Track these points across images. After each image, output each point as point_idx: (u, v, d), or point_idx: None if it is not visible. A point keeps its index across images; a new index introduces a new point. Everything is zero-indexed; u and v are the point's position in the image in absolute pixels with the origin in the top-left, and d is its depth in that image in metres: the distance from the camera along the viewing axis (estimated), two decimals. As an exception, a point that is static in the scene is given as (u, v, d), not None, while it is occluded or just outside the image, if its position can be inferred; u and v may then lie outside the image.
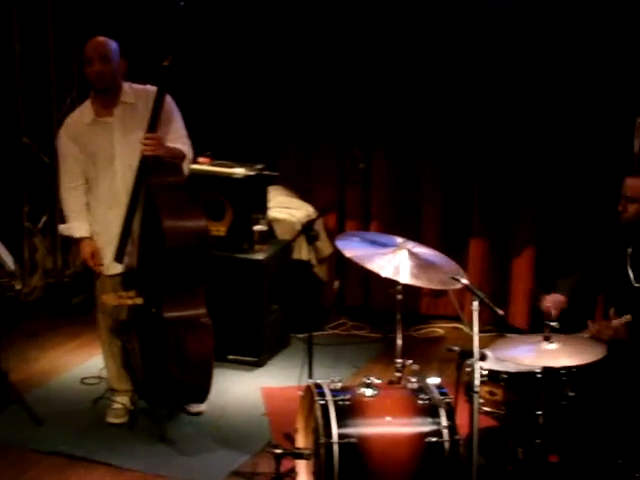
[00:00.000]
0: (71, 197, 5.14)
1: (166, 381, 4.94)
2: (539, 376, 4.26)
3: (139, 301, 5.03)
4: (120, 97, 5.07)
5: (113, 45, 5.03)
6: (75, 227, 5.14)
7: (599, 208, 6.16)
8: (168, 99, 5.08)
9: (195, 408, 5.33)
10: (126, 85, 5.11)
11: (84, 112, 5.12)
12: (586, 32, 6.05)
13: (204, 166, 6.02)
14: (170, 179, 4.99)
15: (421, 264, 4.53)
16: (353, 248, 4.64)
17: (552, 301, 4.58)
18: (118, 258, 5.09)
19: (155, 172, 4.96)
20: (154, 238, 4.94)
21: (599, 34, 6.01)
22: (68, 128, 5.14)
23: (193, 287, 4.96)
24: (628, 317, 4.36)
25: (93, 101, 5.12)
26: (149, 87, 5.12)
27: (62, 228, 5.28)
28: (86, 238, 5.12)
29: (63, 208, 5.22)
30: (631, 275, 4.48)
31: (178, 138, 5.09)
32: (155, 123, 4.97)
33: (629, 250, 4.52)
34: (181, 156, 5.06)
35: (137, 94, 5.10)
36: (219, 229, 5.96)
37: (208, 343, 4.98)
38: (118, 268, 5.13)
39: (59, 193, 5.25)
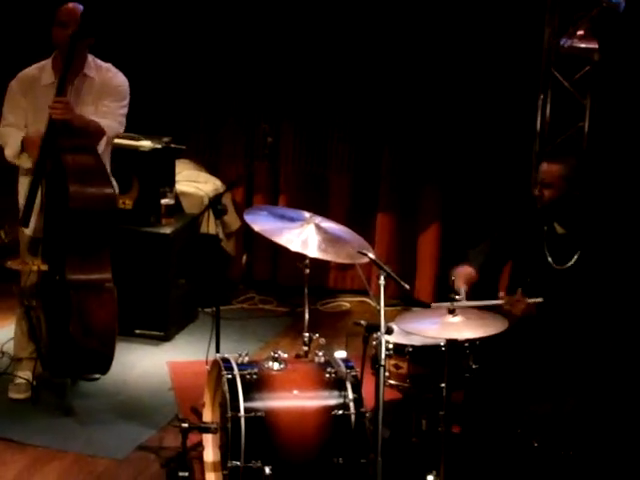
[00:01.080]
0: (11, 132, 5.06)
1: (69, 347, 4.89)
2: (443, 349, 4.32)
3: (44, 267, 4.98)
4: (83, 68, 5.05)
5: None
6: (18, 138, 4.99)
7: (504, 184, 6.28)
8: (122, 79, 5.13)
9: (95, 374, 5.29)
10: (90, 57, 5.10)
11: (44, 72, 5.06)
12: (490, 10, 6.14)
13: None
14: (78, 141, 4.95)
15: (329, 238, 4.55)
16: (262, 222, 4.64)
17: (462, 275, 4.62)
18: (24, 222, 5.03)
19: (64, 135, 4.92)
20: (60, 201, 4.90)
21: (500, 13, 6.10)
22: (22, 83, 5.09)
23: (97, 251, 4.95)
24: (539, 299, 4.45)
25: (54, 63, 5.05)
26: (111, 67, 5.14)
27: (9, 155, 5.06)
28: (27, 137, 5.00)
29: (2, 142, 5.09)
30: (548, 256, 4.56)
31: (107, 113, 5.07)
32: (63, 88, 4.92)
33: (545, 230, 4.59)
34: (99, 129, 5.01)
35: (98, 70, 5.10)
36: (125, 202, 5.89)
37: (111, 308, 4.95)
38: (26, 233, 5.08)
39: None
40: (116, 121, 5.10)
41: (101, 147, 5.09)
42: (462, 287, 4.49)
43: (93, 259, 4.94)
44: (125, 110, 5.15)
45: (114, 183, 5.17)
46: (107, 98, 5.09)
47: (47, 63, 5.09)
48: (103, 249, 4.97)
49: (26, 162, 5.05)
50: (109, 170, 5.25)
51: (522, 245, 4.64)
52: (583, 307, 4.42)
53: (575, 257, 4.48)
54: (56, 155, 4.93)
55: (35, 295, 5.11)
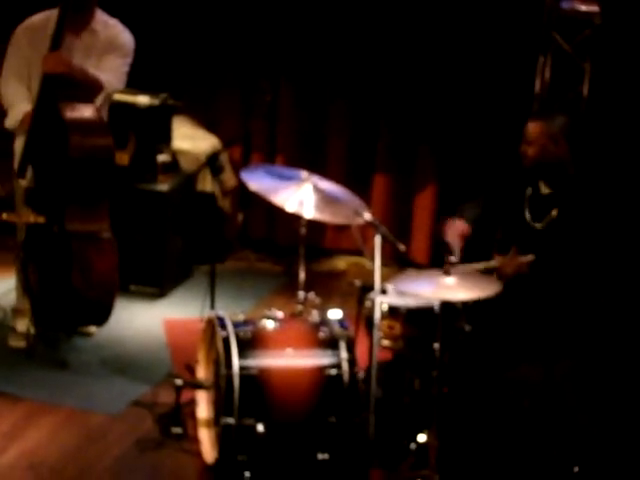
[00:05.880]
0: (11, 87, 5.08)
1: (70, 298, 4.91)
2: (437, 310, 4.34)
3: (41, 219, 4.99)
4: (91, 22, 5.08)
5: None
6: (21, 109, 5.02)
7: (500, 146, 6.26)
8: (128, 37, 5.16)
9: (89, 329, 5.34)
10: (98, 12, 5.12)
11: (49, 22, 5.03)
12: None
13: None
14: (76, 92, 4.97)
15: (325, 198, 4.54)
16: (258, 181, 4.63)
17: (456, 231, 4.63)
18: (20, 173, 5.04)
19: (61, 86, 4.93)
20: (58, 152, 4.91)
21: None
22: (29, 32, 5.09)
23: (96, 202, 4.98)
24: (531, 257, 4.47)
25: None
26: (118, 23, 5.17)
27: (8, 123, 5.11)
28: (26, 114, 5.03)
29: (4, 102, 5.12)
30: (528, 216, 4.58)
31: (108, 69, 5.09)
32: (58, 42, 4.92)
33: (528, 191, 4.61)
34: (97, 83, 5.04)
35: (105, 25, 5.13)
36: (122, 158, 5.87)
37: (112, 257, 5.00)
38: (22, 184, 5.09)
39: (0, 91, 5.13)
40: (116, 77, 5.13)
41: (99, 102, 5.10)
42: (456, 243, 4.51)
43: (92, 209, 4.98)
44: (126, 68, 5.18)
45: None
46: (110, 54, 5.11)
47: (53, 13, 5.05)
48: (102, 200, 5.00)
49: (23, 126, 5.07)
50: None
51: (507, 203, 4.66)
52: (562, 267, 4.43)
53: (550, 216, 4.50)
54: (53, 106, 4.93)
55: (24, 249, 5.12)
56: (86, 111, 4.97)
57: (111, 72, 5.10)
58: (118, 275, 5.06)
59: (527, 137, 4.53)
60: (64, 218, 4.91)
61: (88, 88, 5.02)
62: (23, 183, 5.10)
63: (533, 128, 4.52)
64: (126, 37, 5.18)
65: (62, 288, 4.93)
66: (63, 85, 4.94)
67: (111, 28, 5.15)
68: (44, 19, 5.10)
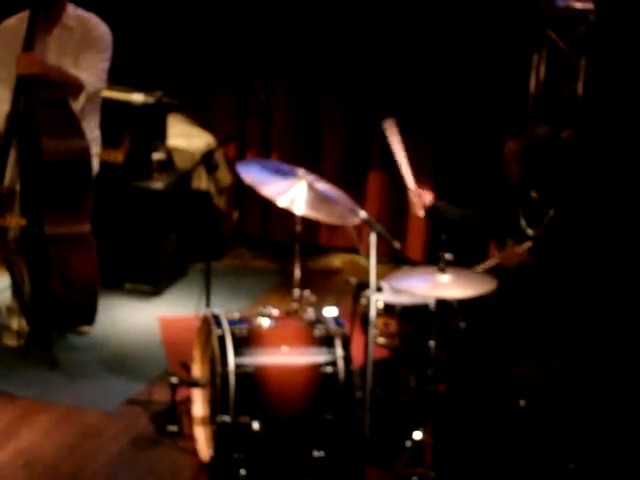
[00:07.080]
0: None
1: (51, 301, 4.91)
2: (432, 308, 4.34)
3: (23, 222, 4.98)
4: (62, 18, 4.99)
5: None
6: (3, 111, 4.97)
7: (496, 142, 6.26)
8: (104, 29, 5.05)
9: (84, 328, 5.33)
10: (70, 7, 5.04)
11: (23, 22, 4.96)
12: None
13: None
14: (50, 94, 4.90)
15: (320, 197, 4.53)
16: (253, 174, 4.61)
17: (418, 193, 4.76)
18: None
19: (35, 88, 4.87)
20: (34, 155, 4.87)
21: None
22: (4, 34, 5.04)
23: (74, 204, 4.95)
24: (529, 243, 4.46)
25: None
26: (93, 16, 5.06)
27: None
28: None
29: None
30: (523, 223, 4.58)
31: (87, 67, 5.00)
32: (30, 42, 4.87)
33: (521, 198, 4.63)
34: (76, 83, 4.95)
35: (79, 20, 5.03)
36: (116, 156, 5.86)
37: (91, 261, 4.97)
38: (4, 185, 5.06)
39: None
40: (95, 75, 5.01)
41: (80, 102, 5.00)
42: (416, 200, 4.69)
43: (70, 212, 4.94)
44: (106, 64, 5.07)
45: (95, 136, 5.15)
46: (87, 50, 5.00)
47: (27, 15, 4.98)
48: (80, 202, 4.96)
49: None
50: (98, 124, 5.20)
51: (501, 213, 4.67)
52: (561, 267, 4.44)
53: (547, 217, 4.50)
54: (28, 109, 4.88)
55: (17, 250, 5.11)
56: (60, 114, 4.90)
57: (90, 70, 4.98)
58: (99, 277, 5.02)
59: (508, 157, 4.52)
60: (42, 222, 4.89)
61: (66, 88, 4.93)
62: (6, 184, 5.04)
63: (507, 148, 4.51)
64: (101, 30, 5.04)
65: (46, 290, 4.92)
66: (38, 86, 4.86)
67: (85, 22, 5.02)
68: (18, 21, 5.03)
